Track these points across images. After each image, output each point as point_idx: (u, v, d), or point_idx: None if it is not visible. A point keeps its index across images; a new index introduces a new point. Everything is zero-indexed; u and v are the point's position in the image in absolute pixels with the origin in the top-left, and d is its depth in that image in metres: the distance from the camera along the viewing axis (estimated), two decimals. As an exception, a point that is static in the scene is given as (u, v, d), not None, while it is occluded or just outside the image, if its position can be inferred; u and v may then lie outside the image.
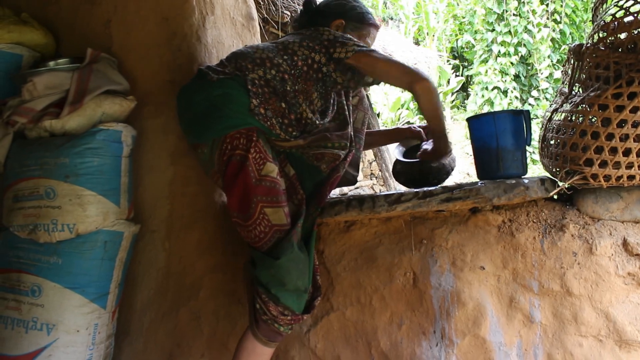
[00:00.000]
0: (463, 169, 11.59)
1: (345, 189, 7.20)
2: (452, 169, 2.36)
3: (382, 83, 2.16)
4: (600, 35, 1.87)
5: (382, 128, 7.69)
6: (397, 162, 2.41)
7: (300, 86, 1.98)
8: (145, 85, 2.23)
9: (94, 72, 2.07)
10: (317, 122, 2.01)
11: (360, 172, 8.42)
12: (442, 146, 2.14)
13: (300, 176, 2.03)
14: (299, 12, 2.41)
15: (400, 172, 2.37)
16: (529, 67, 12.88)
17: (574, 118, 1.88)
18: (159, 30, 2.25)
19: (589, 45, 1.89)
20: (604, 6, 2.00)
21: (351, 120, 2.18)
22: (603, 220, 1.95)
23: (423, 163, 2.26)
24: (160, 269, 2.18)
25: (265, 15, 3.68)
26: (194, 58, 2.25)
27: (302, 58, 1.99)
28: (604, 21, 1.88)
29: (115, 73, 2.16)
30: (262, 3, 3.64)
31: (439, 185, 2.07)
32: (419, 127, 2.54)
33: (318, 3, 2.34)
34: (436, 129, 2.10)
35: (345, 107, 2.15)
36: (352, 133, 2.13)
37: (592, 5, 2.09)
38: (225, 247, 2.24)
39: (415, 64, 7.86)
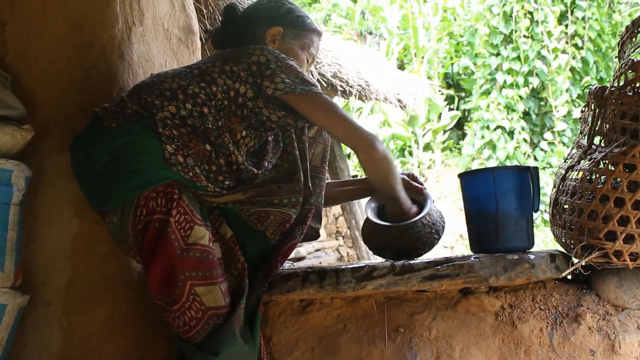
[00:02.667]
0: (455, 228, 11.69)
1: (303, 251, 7.16)
2: (439, 231, 2.37)
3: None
4: (629, 76, 1.93)
5: (352, 176, 7.70)
6: (367, 222, 2.43)
7: (223, 122, 1.96)
8: (48, 112, 2.21)
9: (-23, 91, 2.06)
10: (253, 168, 2.01)
11: (322, 230, 8.41)
12: (395, 208, 2.25)
13: (241, 239, 2.03)
14: (219, 22, 2.41)
15: (372, 236, 2.39)
16: (542, 103, 13.12)
17: (593, 178, 1.93)
18: (69, 39, 2.24)
19: (613, 88, 1.94)
20: (634, 40, 2.07)
21: (308, 157, 2.19)
22: (629, 309, 1.99)
23: (395, 226, 2.29)
24: (54, 354, 2.13)
25: (209, 27, 3.71)
26: (114, 79, 2.25)
27: (222, 89, 1.98)
28: (633, 60, 1.94)
29: (8, 93, 2.13)
30: (205, 12, 3.67)
31: (422, 259, 2.09)
32: (402, 174, 2.55)
33: (244, 9, 2.35)
34: (386, 194, 2.23)
35: (296, 145, 2.15)
36: (309, 179, 2.13)
37: (619, 39, 2.16)
38: (143, 326, 2.20)
39: (397, 94, 7.98)
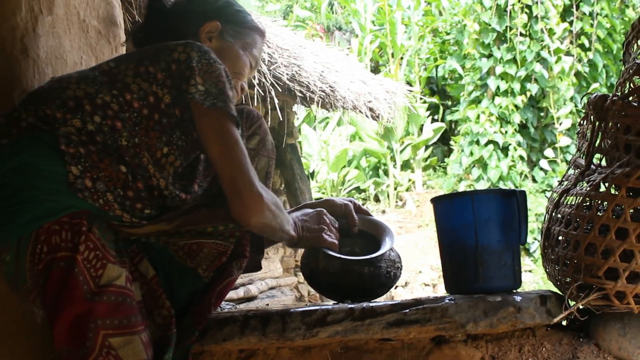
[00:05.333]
0: (438, 264, 11.70)
1: (254, 289, 7.09)
2: (397, 273, 2.36)
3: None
4: (634, 83, 1.95)
5: (315, 199, 7.68)
6: (313, 254, 2.38)
7: (140, 138, 1.89)
8: None
9: None
10: (181, 193, 1.96)
11: (279, 265, 8.36)
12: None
13: (168, 279, 2.00)
14: (144, 16, 2.35)
15: (322, 272, 2.34)
16: (542, 114, 13.27)
17: (592, 205, 1.93)
18: (-39, 31, 2.21)
19: (616, 97, 1.94)
20: (640, 42, 2.09)
21: None
22: (634, 362, 1.99)
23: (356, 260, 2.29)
24: None
25: (138, 18, 3.69)
26: (15, 80, 2.21)
27: (138, 96, 1.90)
28: (639, 64, 1.95)
29: None
30: (133, 1, 3.65)
31: (387, 301, 2.08)
32: (347, 200, 2.52)
33: (172, 2, 2.31)
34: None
35: None
36: None
37: (624, 39, 2.18)
38: (45, 384, 2.17)
39: (369, 102, 7.97)
